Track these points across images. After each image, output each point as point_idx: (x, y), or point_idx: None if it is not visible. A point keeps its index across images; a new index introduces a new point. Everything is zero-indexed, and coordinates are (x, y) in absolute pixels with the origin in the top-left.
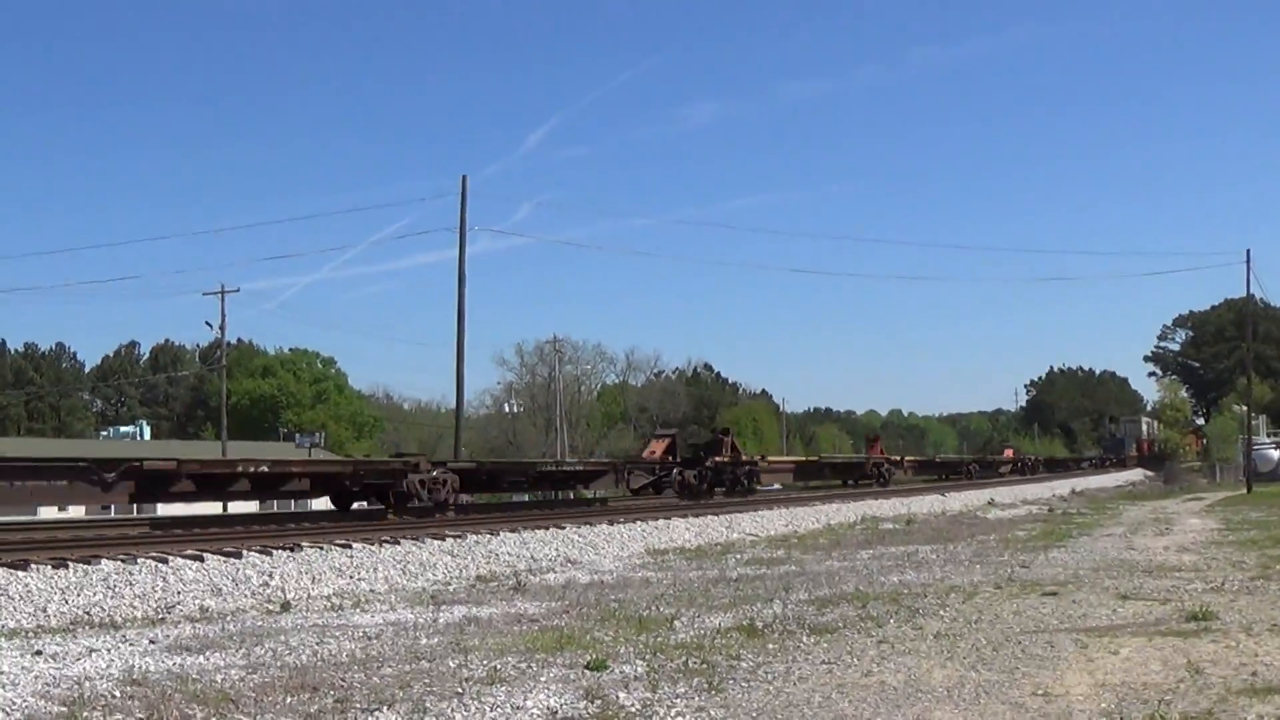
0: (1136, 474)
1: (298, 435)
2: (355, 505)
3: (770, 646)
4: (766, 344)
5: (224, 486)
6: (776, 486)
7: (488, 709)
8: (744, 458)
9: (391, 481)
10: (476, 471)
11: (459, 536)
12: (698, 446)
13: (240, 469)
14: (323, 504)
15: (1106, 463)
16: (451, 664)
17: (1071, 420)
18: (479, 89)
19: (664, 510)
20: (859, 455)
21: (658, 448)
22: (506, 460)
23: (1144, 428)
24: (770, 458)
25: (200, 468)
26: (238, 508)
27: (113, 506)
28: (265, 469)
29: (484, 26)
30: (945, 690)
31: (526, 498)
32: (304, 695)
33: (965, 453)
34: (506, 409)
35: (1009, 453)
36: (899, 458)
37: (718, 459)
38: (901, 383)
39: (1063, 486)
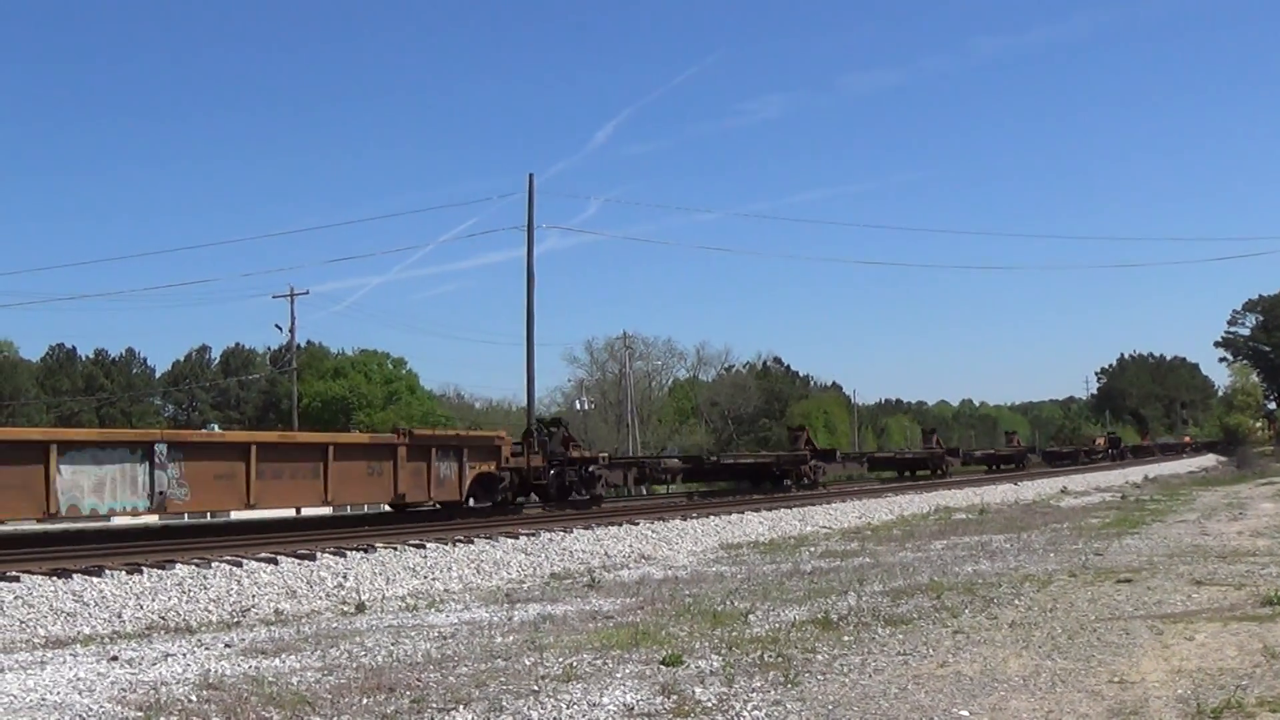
0: (1209, 459)
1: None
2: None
3: (845, 639)
4: (836, 336)
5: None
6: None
7: (564, 706)
8: (1125, 444)
9: (795, 468)
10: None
11: (532, 535)
12: (1108, 439)
13: (734, 460)
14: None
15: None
16: (527, 662)
17: (1143, 407)
18: (545, 87)
19: (737, 505)
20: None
21: (1100, 441)
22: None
23: None
24: (1124, 444)
25: (750, 457)
26: (310, 511)
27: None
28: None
29: (549, 25)
30: (1021, 679)
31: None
32: (380, 696)
33: (1038, 442)
34: (578, 406)
35: (1187, 440)
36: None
37: (1121, 445)
38: (972, 373)
39: (1135, 473)
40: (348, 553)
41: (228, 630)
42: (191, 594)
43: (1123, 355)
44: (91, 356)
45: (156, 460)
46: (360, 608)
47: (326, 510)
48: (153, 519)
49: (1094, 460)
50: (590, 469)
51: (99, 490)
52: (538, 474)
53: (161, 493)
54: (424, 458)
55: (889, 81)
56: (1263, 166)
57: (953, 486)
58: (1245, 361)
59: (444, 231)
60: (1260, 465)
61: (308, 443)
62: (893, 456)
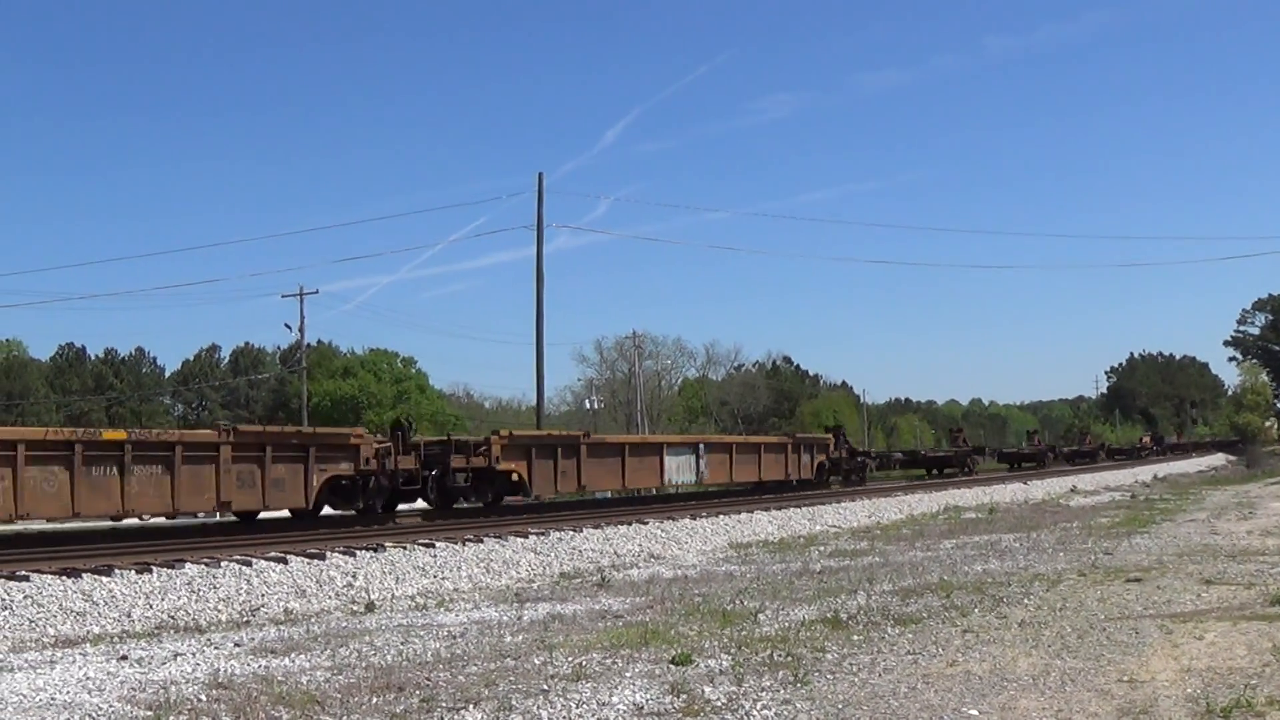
0: (1218, 458)
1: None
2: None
3: (855, 638)
4: (846, 335)
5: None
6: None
7: (574, 706)
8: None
9: (964, 460)
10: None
11: (542, 534)
12: (1154, 438)
13: (932, 454)
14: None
15: None
16: (536, 661)
17: (1152, 406)
18: (555, 87)
19: (746, 504)
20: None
21: (1148, 439)
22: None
23: None
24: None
25: (942, 451)
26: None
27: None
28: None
29: (559, 25)
30: (1030, 678)
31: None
32: (389, 695)
33: (1047, 441)
34: (587, 405)
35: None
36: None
37: (1165, 442)
38: (982, 372)
39: (1145, 472)
40: (357, 552)
41: (237, 629)
42: (201, 593)
43: (1132, 354)
44: (101, 356)
45: (699, 453)
46: (370, 607)
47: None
48: (160, 520)
49: (1144, 456)
50: (860, 459)
51: (678, 471)
52: (842, 462)
53: (701, 472)
54: (796, 451)
55: (899, 81)
56: (1273, 165)
57: (962, 486)
58: (1255, 361)
59: (453, 231)
60: (1270, 464)
61: (754, 442)
62: (1015, 451)
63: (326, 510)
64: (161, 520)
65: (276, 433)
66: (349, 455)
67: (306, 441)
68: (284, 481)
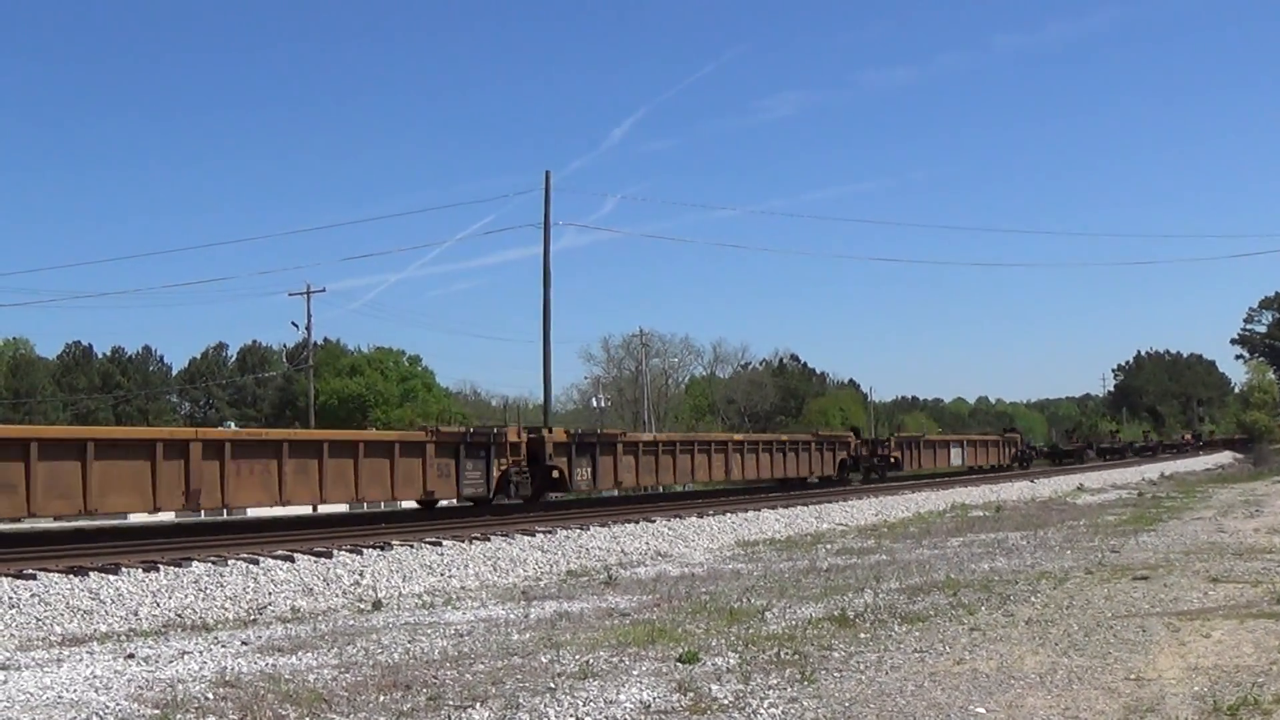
0: (1225, 456)
1: None
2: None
3: (862, 636)
4: (853, 333)
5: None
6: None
7: (581, 704)
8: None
9: (1081, 451)
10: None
11: (549, 532)
12: (1193, 435)
13: (1063, 447)
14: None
15: None
16: (543, 659)
17: (1160, 404)
18: (562, 85)
19: (753, 502)
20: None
21: (1188, 436)
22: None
23: None
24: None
25: (1068, 445)
26: (325, 509)
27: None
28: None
29: (566, 23)
30: (1037, 676)
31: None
32: (397, 693)
33: (1053, 438)
34: (594, 403)
35: (1236, 436)
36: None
37: (1202, 439)
38: (988, 370)
39: (1152, 470)
40: (364, 550)
41: (244, 628)
42: (208, 592)
43: (1139, 352)
44: (108, 354)
45: (964, 447)
46: (377, 605)
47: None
48: (167, 516)
49: (1183, 452)
50: (1029, 450)
51: (953, 457)
52: (1022, 453)
53: (965, 458)
54: (1004, 445)
55: (906, 79)
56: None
57: (969, 484)
58: (1262, 359)
59: (460, 229)
60: (1277, 463)
61: (982, 439)
62: (1108, 446)
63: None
64: (169, 518)
65: (823, 436)
66: (844, 446)
67: (835, 438)
68: (825, 460)
